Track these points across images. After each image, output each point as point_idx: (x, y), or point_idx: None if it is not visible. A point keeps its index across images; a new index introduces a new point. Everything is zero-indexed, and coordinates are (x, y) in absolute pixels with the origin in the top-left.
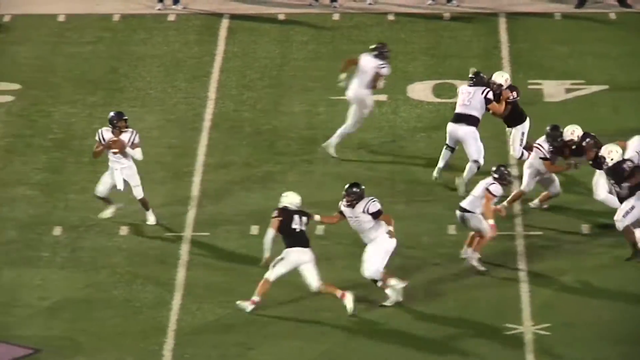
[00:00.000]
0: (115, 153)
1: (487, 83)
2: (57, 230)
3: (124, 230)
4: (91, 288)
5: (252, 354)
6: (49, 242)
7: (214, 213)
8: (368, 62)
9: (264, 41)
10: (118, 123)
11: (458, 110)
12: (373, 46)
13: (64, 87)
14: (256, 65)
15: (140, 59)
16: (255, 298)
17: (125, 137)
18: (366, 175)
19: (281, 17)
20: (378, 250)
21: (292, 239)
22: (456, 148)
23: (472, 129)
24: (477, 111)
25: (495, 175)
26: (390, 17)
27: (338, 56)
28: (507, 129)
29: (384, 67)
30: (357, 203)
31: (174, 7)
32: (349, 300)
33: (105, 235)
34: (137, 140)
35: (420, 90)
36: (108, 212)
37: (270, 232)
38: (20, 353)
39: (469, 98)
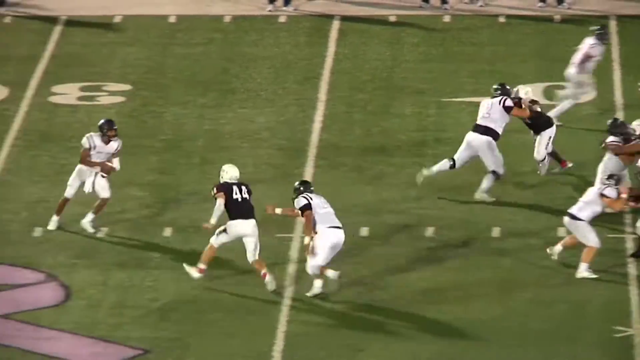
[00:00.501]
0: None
1: (508, 93)
2: (168, 232)
3: None
4: (201, 289)
5: (361, 356)
6: (160, 243)
7: None
8: (585, 42)
9: (375, 43)
10: (108, 132)
11: (478, 121)
12: (595, 28)
13: (174, 88)
14: (367, 67)
15: (251, 60)
16: (202, 265)
17: (113, 145)
18: (478, 179)
19: (392, 18)
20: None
21: (234, 210)
22: (460, 165)
23: (489, 139)
24: (495, 123)
25: (610, 182)
26: (501, 19)
27: (449, 58)
28: (533, 135)
29: (594, 47)
30: (295, 199)
31: (284, 8)
32: (268, 281)
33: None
34: (119, 147)
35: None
36: (54, 223)
37: (219, 202)
38: (130, 354)
39: (488, 110)
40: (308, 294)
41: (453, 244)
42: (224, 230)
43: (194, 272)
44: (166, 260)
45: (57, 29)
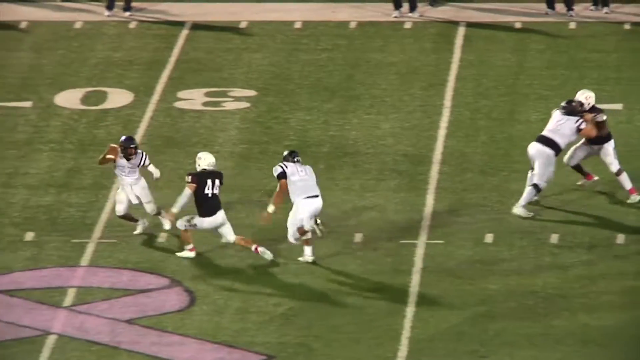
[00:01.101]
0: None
1: (580, 111)
2: (293, 237)
3: (358, 238)
4: (326, 295)
5: None
6: (284, 248)
7: (449, 221)
8: None
9: (500, 49)
10: (126, 150)
11: (544, 132)
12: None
13: (299, 94)
14: (492, 73)
15: (377, 66)
16: (189, 246)
17: (135, 160)
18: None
19: (517, 25)
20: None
21: (203, 205)
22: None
23: (549, 152)
24: (562, 138)
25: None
26: (627, 27)
27: (574, 65)
28: (593, 146)
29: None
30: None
31: (410, 14)
32: (264, 252)
33: (341, 242)
34: (147, 161)
35: None
36: (139, 229)
37: (187, 192)
38: (254, 359)
39: (559, 124)
40: (300, 259)
41: (577, 251)
42: (195, 225)
43: (189, 254)
44: (290, 266)
45: (183, 34)
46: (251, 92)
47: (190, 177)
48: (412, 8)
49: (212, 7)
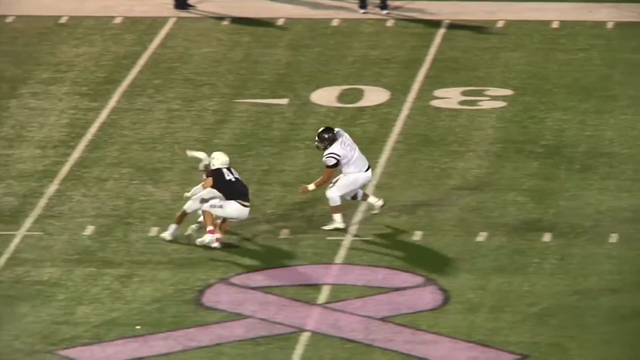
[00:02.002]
0: None
1: None
2: (547, 237)
3: (613, 238)
4: (579, 295)
5: None
6: (539, 248)
7: None
8: None
9: None
10: None
11: None
12: None
13: (556, 94)
14: None
15: (634, 66)
16: (210, 228)
17: None
18: None
19: None
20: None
21: (230, 190)
22: None
23: None
24: None
25: None
26: None
27: None
28: None
29: None
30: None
31: None
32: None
33: (596, 243)
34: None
35: None
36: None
37: (206, 190)
38: (507, 359)
39: None
40: (325, 227)
41: None
42: (220, 207)
43: (212, 244)
44: (545, 266)
45: (440, 33)
46: (508, 92)
47: (205, 174)
48: None
49: (469, 5)
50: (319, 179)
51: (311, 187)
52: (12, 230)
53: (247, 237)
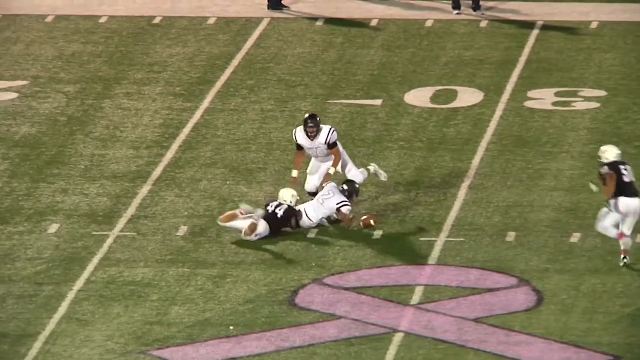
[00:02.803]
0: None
1: None
2: None
3: None
4: None
5: None
6: (632, 249)
7: None
8: None
9: None
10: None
11: None
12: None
13: None
14: None
15: None
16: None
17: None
18: None
19: None
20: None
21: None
22: None
23: None
24: None
25: None
26: None
27: None
28: None
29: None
30: (317, 134)
31: None
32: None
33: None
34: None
35: None
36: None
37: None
38: None
39: None
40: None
41: None
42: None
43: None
44: (638, 266)
45: (534, 34)
46: (601, 92)
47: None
48: None
49: (562, 6)
50: (334, 160)
51: (332, 170)
52: (105, 231)
53: (341, 237)
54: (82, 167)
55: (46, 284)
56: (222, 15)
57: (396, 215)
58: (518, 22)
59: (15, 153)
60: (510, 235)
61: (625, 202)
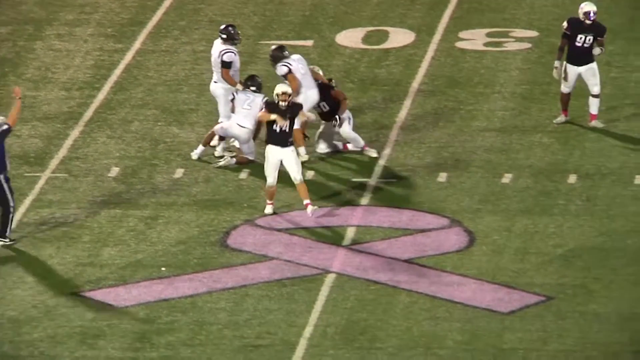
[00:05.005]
0: None
1: None
2: (572, 178)
3: (639, 180)
4: (605, 236)
5: None
6: (564, 189)
7: None
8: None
9: None
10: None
11: None
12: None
13: None
14: None
15: None
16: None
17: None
18: None
19: None
20: None
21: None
22: None
23: None
24: None
25: None
26: None
27: None
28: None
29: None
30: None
31: None
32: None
33: (621, 183)
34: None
35: None
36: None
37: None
38: (533, 300)
39: None
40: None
41: None
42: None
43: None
44: (570, 207)
45: None
46: (533, 33)
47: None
48: None
49: None
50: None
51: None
52: (37, 172)
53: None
54: None
55: None
56: None
57: (328, 156)
58: None
59: None
60: (442, 176)
61: None
